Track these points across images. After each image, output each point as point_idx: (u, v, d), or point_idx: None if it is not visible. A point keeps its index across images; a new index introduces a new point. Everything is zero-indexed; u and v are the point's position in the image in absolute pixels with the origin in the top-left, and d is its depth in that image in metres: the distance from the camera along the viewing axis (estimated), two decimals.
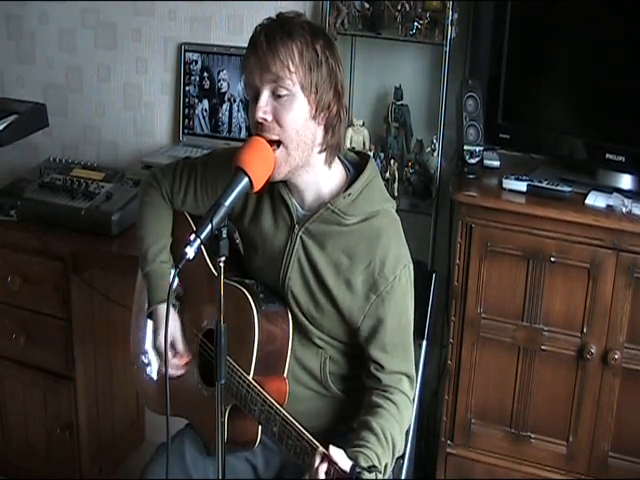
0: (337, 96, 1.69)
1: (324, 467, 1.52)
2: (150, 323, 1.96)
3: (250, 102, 1.70)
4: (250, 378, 1.74)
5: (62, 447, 2.76)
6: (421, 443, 2.68)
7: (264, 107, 1.64)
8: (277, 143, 1.65)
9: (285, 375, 1.79)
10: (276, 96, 1.64)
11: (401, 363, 1.78)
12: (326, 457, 1.53)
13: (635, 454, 2.29)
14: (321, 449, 1.55)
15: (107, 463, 2.91)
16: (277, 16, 1.70)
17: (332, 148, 1.73)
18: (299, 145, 1.67)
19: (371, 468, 1.52)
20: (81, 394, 2.70)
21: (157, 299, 1.90)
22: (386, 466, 1.68)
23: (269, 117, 1.64)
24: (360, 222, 1.75)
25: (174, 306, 1.95)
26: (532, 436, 2.36)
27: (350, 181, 1.77)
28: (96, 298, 2.70)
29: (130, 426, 3.05)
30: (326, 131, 1.70)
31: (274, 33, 1.64)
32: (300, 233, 1.77)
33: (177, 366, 1.90)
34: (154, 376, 2.04)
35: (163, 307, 1.86)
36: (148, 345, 2.04)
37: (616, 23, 2.21)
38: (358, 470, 1.49)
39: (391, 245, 1.75)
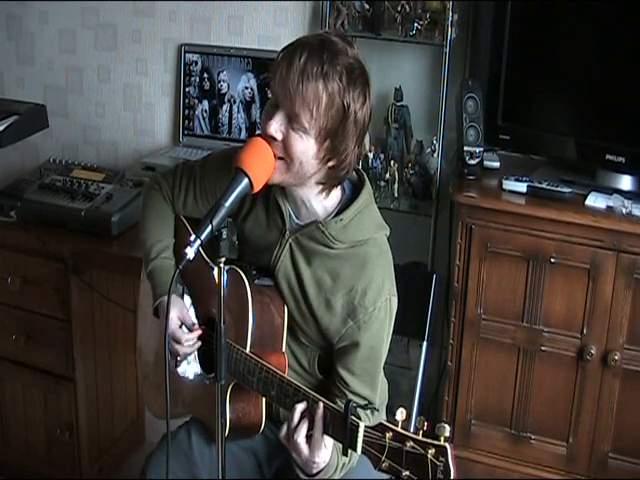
0: (357, 144, 1.64)
1: (320, 411, 1.58)
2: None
3: (269, 102, 1.65)
4: (247, 352, 1.74)
5: (62, 448, 2.75)
6: None
7: (277, 126, 1.60)
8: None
9: (284, 350, 1.79)
10: (292, 123, 1.59)
11: (365, 389, 1.78)
12: (320, 401, 1.59)
13: (635, 455, 2.29)
14: (316, 395, 1.61)
15: (107, 463, 2.90)
16: (325, 40, 1.58)
17: (332, 184, 1.70)
18: (299, 172, 1.64)
19: (367, 406, 1.57)
20: (81, 395, 2.69)
21: (161, 293, 1.89)
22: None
23: (279, 136, 1.60)
24: (348, 248, 1.73)
25: (179, 290, 1.93)
26: (532, 437, 2.36)
27: (344, 203, 1.75)
28: (96, 299, 2.70)
29: (130, 426, 3.05)
30: (331, 170, 1.66)
31: (313, 64, 1.55)
32: (290, 240, 1.77)
33: (190, 340, 1.86)
34: (180, 370, 1.99)
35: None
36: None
37: (616, 23, 2.21)
38: (354, 405, 1.52)
39: (375, 276, 1.73)
